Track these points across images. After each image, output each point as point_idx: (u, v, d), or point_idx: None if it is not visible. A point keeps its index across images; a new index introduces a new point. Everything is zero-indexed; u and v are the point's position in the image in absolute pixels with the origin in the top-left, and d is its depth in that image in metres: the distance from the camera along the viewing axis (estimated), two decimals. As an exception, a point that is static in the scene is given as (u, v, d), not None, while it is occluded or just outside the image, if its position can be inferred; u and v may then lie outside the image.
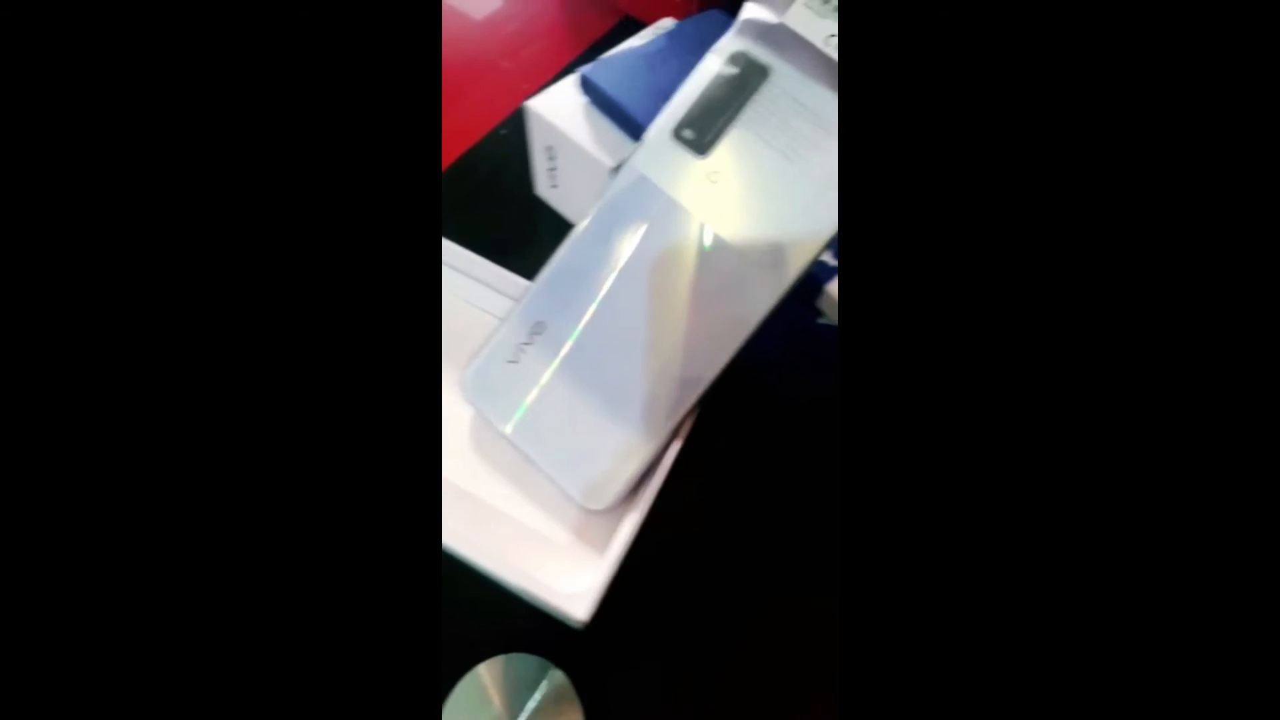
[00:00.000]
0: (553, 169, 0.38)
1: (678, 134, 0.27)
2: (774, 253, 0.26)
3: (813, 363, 0.34)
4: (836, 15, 0.26)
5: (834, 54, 0.26)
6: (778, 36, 0.26)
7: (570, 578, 0.26)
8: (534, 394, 0.28)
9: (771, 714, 0.28)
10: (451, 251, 0.33)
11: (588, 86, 0.35)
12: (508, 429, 0.28)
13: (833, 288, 0.31)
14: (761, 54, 0.26)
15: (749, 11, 0.27)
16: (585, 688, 0.27)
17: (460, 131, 0.43)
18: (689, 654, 0.29)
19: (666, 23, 0.39)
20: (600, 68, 0.35)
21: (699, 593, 0.30)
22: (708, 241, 0.26)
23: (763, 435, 0.34)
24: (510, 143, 0.42)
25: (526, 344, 0.28)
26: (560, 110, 0.35)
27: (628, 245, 0.27)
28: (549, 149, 0.37)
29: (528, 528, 0.28)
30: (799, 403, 0.35)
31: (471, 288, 0.33)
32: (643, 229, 0.27)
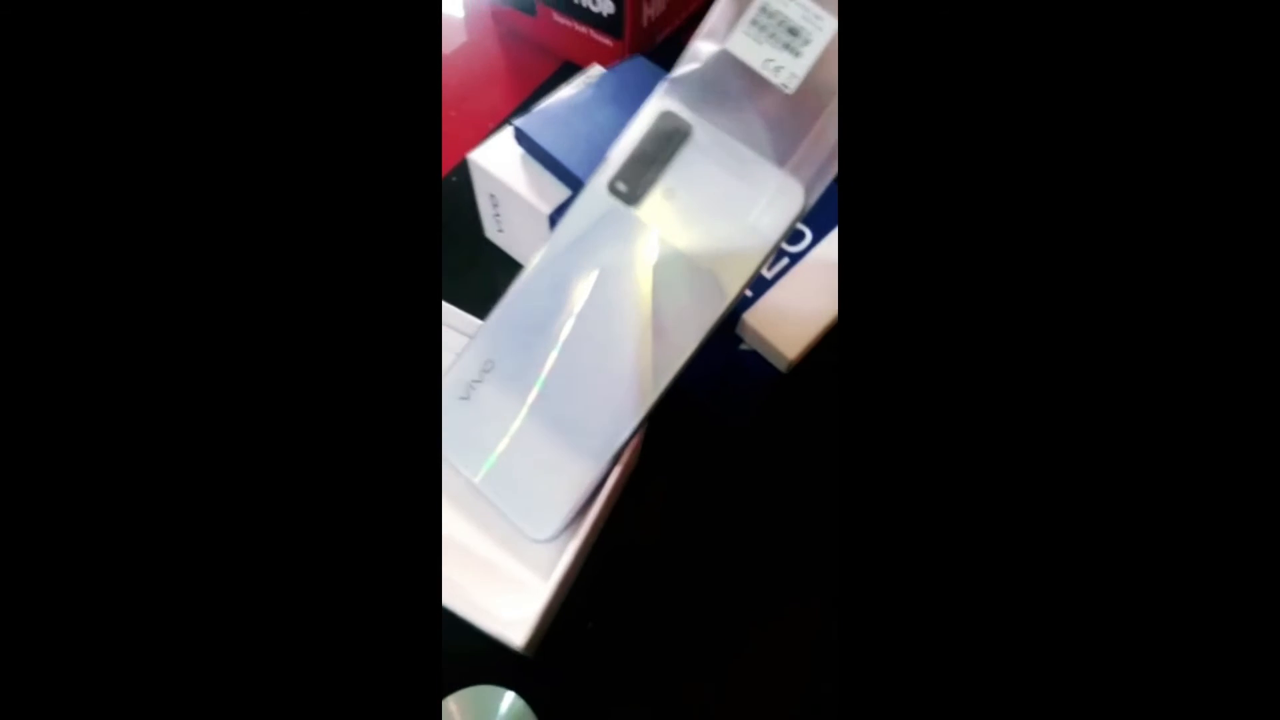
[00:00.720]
0: (497, 215, 0.40)
1: (612, 187, 0.29)
2: (705, 287, 0.28)
3: (740, 384, 0.37)
4: (774, 41, 0.29)
5: (773, 78, 0.28)
6: (702, 94, 0.29)
7: (514, 605, 0.29)
8: (481, 428, 0.30)
9: None
10: None
11: (521, 138, 0.38)
12: (454, 459, 0.30)
13: (750, 316, 0.34)
14: (685, 112, 0.29)
15: (676, 71, 0.30)
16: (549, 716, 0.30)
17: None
18: (659, 677, 0.32)
19: (595, 70, 0.42)
20: (532, 120, 0.38)
21: (665, 613, 0.33)
22: (644, 281, 0.29)
23: (704, 455, 0.37)
24: (461, 190, 0.45)
25: (477, 381, 0.30)
26: (499, 161, 0.38)
27: (572, 285, 0.29)
28: (492, 197, 0.39)
29: (476, 555, 0.31)
30: (731, 421, 0.38)
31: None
32: (585, 271, 0.29)
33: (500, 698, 0.29)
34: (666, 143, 0.29)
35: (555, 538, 0.29)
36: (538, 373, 0.29)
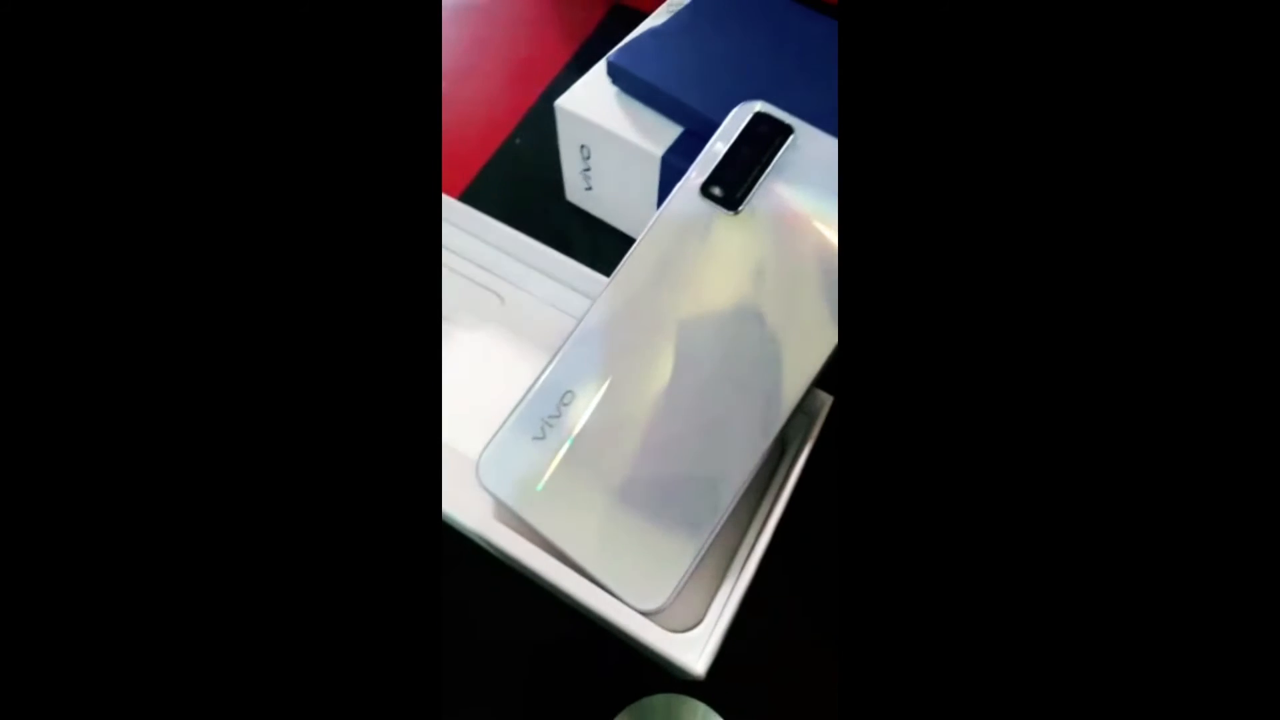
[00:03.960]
0: (588, 170, 0.35)
1: (705, 190, 0.25)
2: (817, 307, 0.24)
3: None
4: None
5: None
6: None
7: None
8: (564, 479, 0.24)
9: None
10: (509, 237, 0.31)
11: (617, 74, 0.32)
12: (539, 525, 0.24)
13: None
14: (780, 113, 0.26)
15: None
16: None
17: (470, 149, 0.40)
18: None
19: (676, -2, 0.36)
20: (627, 52, 0.32)
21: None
22: (749, 300, 0.24)
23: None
24: (524, 152, 0.40)
25: (554, 417, 0.24)
26: (592, 105, 0.33)
27: (664, 305, 0.25)
28: (583, 148, 0.34)
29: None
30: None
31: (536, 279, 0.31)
32: (679, 287, 0.25)
33: (686, 709, 0.24)
34: (766, 145, 0.26)
35: (668, 607, 0.23)
36: (629, 410, 0.24)
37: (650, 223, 0.25)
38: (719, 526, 0.23)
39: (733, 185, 0.25)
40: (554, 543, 0.24)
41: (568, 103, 0.33)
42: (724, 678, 0.25)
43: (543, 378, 0.25)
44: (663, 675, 0.26)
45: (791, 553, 0.28)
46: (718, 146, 0.26)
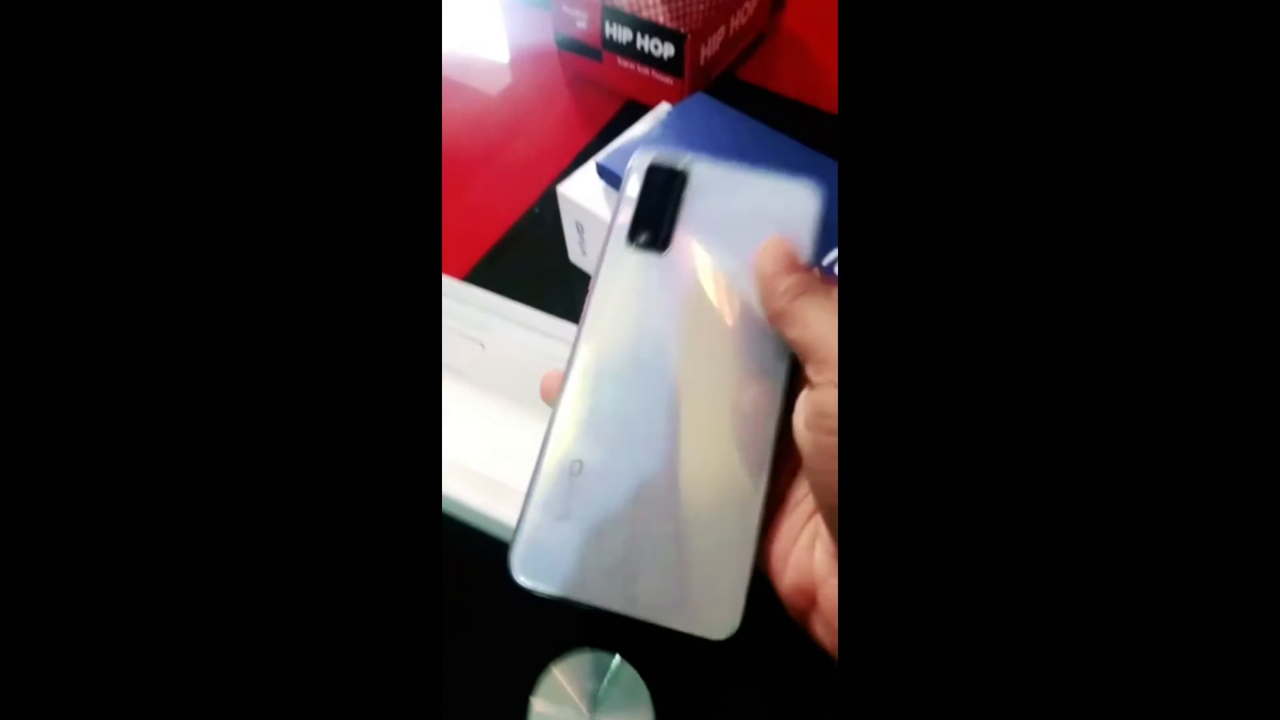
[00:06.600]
0: (582, 240, 0.46)
1: (633, 241, 0.27)
2: (764, 334, 0.26)
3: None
4: None
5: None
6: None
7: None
8: (599, 545, 0.24)
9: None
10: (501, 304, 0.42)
11: (604, 173, 0.43)
12: (593, 599, 0.24)
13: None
14: (671, 156, 0.28)
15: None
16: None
17: (502, 213, 0.52)
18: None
19: (663, 108, 0.47)
20: (615, 155, 0.43)
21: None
22: (710, 320, 0.26)
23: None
24: (542, 220, 0.51)
25: (569, 492, 0.25)
26: (585, 193, 0.43)
27: (638, 354, 0.26)
28: (578, 224, 0.45)
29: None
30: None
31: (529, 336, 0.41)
32: (644, 333, 0.26)
33: (605, 662, 0.33)
34: (670, 184, 0.28)
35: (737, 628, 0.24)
36: (647, 455, 0.25)
37: (594, 280, 0.27)
38: (758, 535, 0.24)
39: (654, 228, 0.27)
40: (614, 610, 0.24)
41: (566, 189, 0.44)
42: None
43: (546, 457, 0.25)
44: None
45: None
46: (630, 196, 0.28)
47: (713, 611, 0.24)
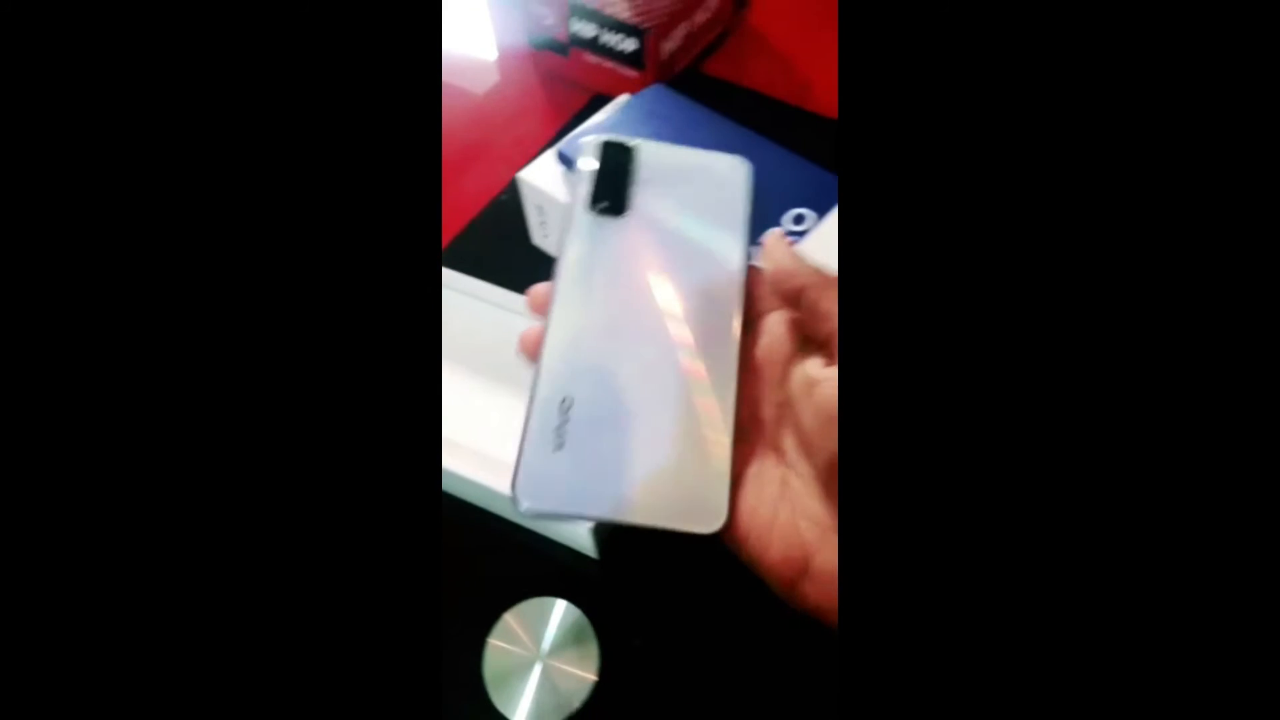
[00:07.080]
0: (543, 222, 0.48)
1: (594, 208, 0.31)
2: (719, 251, 0.30)
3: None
4: None
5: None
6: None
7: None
8: (596, 466, 0.27)
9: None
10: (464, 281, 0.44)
11: (564, 159, 0.45)
12: (595, 511, 0.27)
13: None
14: (620, 137, 0.32)
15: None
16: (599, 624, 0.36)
17: (469, 199, 0.54)
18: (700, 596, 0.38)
19: (622, 99, 0.49)
20: (572, 143, 0.45)
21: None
22: (670, 263, 0.30)
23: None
24: (509, 206, 0.53)
25: (563, 424, 0.27)
26: (545, 179, 0.46)
27: (611, 295, 0.30)
28: (539, 208, 0.47)
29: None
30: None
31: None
32: (614, 280, 0.30)
33: (554, 607, 0.36)
34: (620, 161, 0.32)
35: (727, 521, 0.27)
36: (626, 385, 0.28)
37: (562, 244, 0.31)
38: (730, 444, 0.27)
39: (611, 195, 0.31)
40: (606, 518, 0.27)
41: (527, 175, 0.46)
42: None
43: (537, 398, 0.28)
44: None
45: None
46: (588, 171, 0.31)
47: (699, 510, 0.27)
